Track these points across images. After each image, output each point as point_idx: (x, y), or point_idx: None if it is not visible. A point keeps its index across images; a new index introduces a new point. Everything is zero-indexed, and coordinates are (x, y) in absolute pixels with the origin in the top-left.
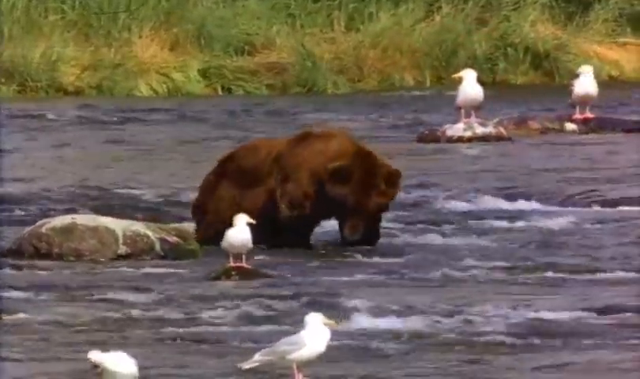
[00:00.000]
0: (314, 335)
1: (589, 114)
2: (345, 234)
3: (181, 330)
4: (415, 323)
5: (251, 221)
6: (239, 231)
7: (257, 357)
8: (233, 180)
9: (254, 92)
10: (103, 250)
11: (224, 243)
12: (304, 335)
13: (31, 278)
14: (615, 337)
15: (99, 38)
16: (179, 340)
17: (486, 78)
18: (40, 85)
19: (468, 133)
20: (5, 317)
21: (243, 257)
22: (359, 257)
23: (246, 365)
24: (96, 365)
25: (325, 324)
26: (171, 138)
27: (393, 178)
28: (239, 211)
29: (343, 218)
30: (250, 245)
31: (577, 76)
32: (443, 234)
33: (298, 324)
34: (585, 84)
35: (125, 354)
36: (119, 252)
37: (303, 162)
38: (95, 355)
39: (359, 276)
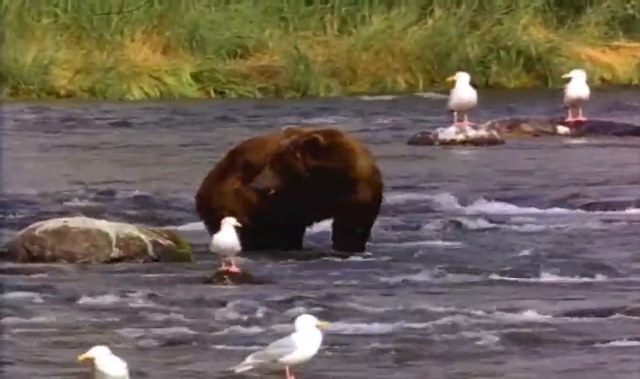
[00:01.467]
0: (306, 337)
1: (581, 118)
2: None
3: (173, 333)
4: (404, 326)
5: (237, 224)
6: (226, 235)
7: (249, 360)
8: (238, 174)
9: (247, 96)
10: (95, 253)
11: (213, 247)
12: (296, 337)
13: (23, 281)
14: (599, 340)
15: (92, 41)
16: (171, 343)
17: (478, 81)
18: (33, 88)
19: (461, 137)
20: None
21: (232, 260)
22: (350, 259)
23: (239, 369)
24: (89, 360)
25: (317, 327)
26: (163, 141)
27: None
28: (243, 205)
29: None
30: (238, 248)
31: (568, 80)
32: (435, 238)
33: (289, 327)
34: (577, 87)
35: (116, 357)
36: (112, 255)
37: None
38: (86, 353)
39: (350, 279)
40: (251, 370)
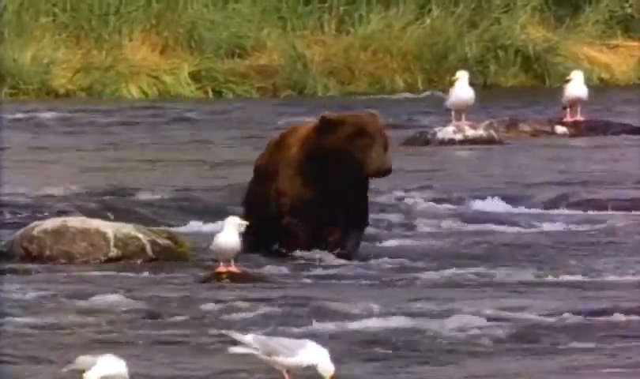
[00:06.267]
0: (314, 351)
1: (579, 117)
2: None
3: (171, 332)
4: (404, 326)
5: (242, 223)
6: (228, 236)
7: (250, 339)
8: (264, 169)
9: (245, 95)
10: (94, 253)
11: (213, 247)
12: (302, 344)
13: (21, 281)
14: (598, 341)
15: (90, 41)
16: (169, 343)
17: (477, 81)
18: (32, 88)
19: (459, 136)
20: None
21: (232, 260)
22: (347, 260)
23: (238, 337)
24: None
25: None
26: (161, 141)
27: None
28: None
29: None
30: (239, 249)
31: (567, 81)
32: (434, 237)
33: (288, 326)
34: (575, 86)
35: (114, 357)
36: (110, 254)
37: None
38: (92, 375)
39: (347, 279)
40: (245, 354)
